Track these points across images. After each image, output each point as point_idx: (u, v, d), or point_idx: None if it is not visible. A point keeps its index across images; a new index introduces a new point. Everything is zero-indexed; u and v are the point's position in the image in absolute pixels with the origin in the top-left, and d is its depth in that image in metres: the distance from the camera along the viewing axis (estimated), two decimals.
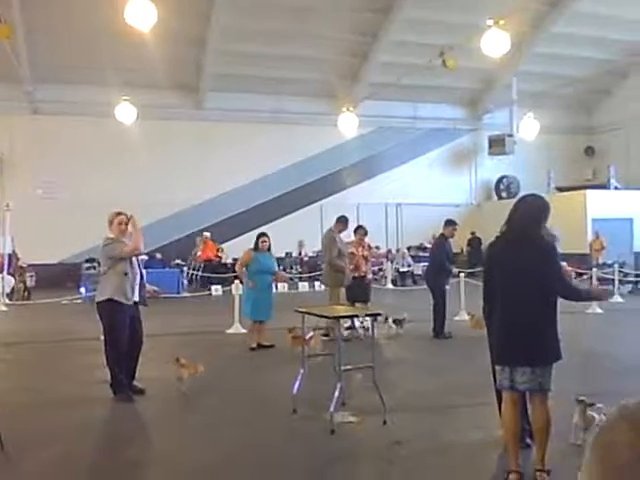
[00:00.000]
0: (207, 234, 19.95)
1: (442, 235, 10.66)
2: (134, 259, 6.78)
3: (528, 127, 21.75)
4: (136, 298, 6.69)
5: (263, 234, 9.68)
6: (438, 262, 10.39)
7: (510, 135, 22.67)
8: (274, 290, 10.56)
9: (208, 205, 21.03)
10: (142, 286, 6.81)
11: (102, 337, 6.67)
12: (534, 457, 4.31)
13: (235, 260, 20.33)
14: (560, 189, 22.46)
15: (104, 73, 17.58)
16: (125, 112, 18.44)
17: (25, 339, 10.25)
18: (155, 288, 7.33)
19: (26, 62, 18.10)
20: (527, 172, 23.29)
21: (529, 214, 4.35)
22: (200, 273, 19.12)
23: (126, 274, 6.57)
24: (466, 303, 11.86)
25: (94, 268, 17.03)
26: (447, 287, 10.53)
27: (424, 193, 22.76)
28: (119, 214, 6.83)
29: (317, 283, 17.08)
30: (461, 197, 24.05)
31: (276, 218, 21.52)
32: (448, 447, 5.10)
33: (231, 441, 5.32)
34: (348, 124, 20.54)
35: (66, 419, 5.91)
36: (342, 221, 10.45)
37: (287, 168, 21.88)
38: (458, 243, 19.41)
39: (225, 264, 19.71)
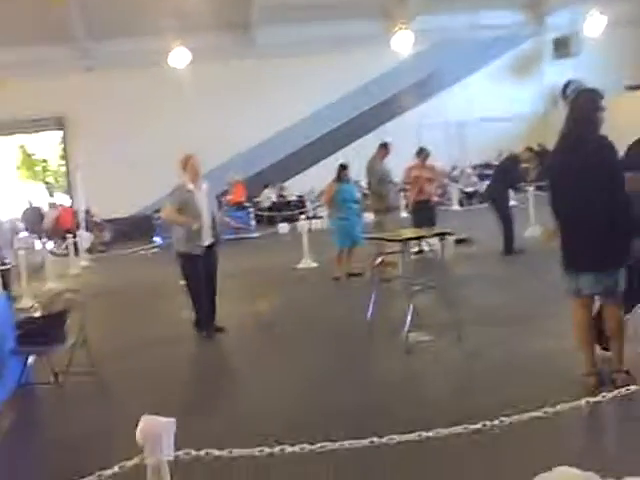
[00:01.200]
0: (237, 177, 19.50)
1: (516, 156, 10.42)
2: (204, 200, 6.73)
3: (594, 23, 20.50)
4: (209, 241, 6.72)
5: (343, 165, 9.83)
6: (506, 180, 10.20)
7: (576, 35, 21.47)
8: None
9: (270, 143, 21.10)
10: (213, 228, 6.79)
11: (182, 282, 6.94)
12: (611, 359, 4.33)
13: (300, 197, 20.62)
14: (631, 87, 21.26)
15: (155, 21, 17.60)
16: (178, 57, 18.54)
17: (110, 289, 10.83)
18: (239, 225, 7.60)
19: (79, 20, 18.33)
20: (596, 73, 22.04)
21: (582, 113, 4.21)
22: (266, 213, 19.45)
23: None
24: (536, 217, 11.65)
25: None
26: (512, 202, 10.36)
27: (487, 108, 22.00)
28: (191, 156, 6.81)
29: None
30: (526, 107, 23.12)
31: (339, 149, 21.37)
32: (523, 356, 5.17)
33: (311, 366, 5.54)
34: (403, 43, 19.92)
35: (156, 357, 6.31)
36: (384, 147, 10.36)
37: (344, 97, 21.58)
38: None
39: (290, 202, 19.94)
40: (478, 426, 2.54)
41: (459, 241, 10.27)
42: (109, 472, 2.23)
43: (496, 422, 2.53)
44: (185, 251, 6.65)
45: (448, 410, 4.18)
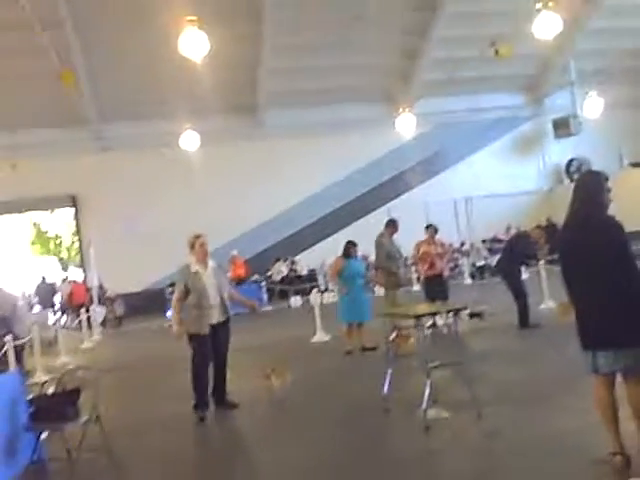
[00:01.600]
0: (234, 252, 19.51)
1: (526, 233, 10.54)
2: (211, 279, 6.76)
3: (592, 105, 21.13)
4: (218, 320, 6.72)
5: (352, 242, 9.95)
6: (515, 255, 10.25)
7: (575, 116, 22.06)
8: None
9: (279, 219, 21.40)
10: (225, 306, 6.78)
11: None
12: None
13: (311, 271, 20.69)
14: (633, 164, 21.64)
15: (165, 105, 18.29)
16: (189, 140, 19.11)
17: (123, 364, 10.75)
18: (255, 303, 7.55)
19: (91, 103, 19.00)
20: (597, 151, 22.56)
21: (588, 194, 4.28)
22: (278, 287, 19.47)
23: (195, 307, 6.64)
24: (549, 291, 11.62)
25: None
26: (524, 276, 10.38)
27: (492, 184, 22.44)
28: (199, 236, 6.89)
29: None
30: (531, 184, 23.55)
31: (345, 226, 21.70)
32: (546, 436, 5.04)
33: (326, 444, 5.43)
34: (406, 125, 20.53)
35: (168, 438, 6.19)
36: (391, 224, 10.57)
37: (351, 175, 22.08)
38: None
39: (301, 275, 20.00)
40: None
41: (472, 315, 10.22)
42: None
43: None
44: (194, 332, 6.65)
45: None
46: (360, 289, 9.70)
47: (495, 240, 21.67)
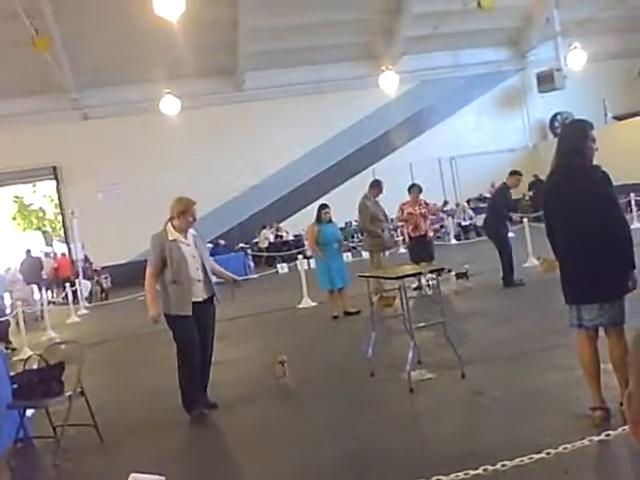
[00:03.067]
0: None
1: (504, 184, 10.45)
2: (193, 253, 5.70)
3: (576, 58, 20.93)
4: (201, 297, 5.69)
5: (324, 205, 9.82)
6: (498, 211, 10.22)
7: (558, 69, 21.86)
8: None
9: (263, 185, 21.25)
10: (209, 281, 5.74)
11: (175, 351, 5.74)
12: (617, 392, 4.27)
13: (297, 237, 20.67)
14: (618, 118, 21.58)
15: (143, 69, 17.92)
16: (169, 105, 18.79)
17: (108, 338, 10.72)
18: (235, 277, 6.24)
19: (68, 70, 18.58)
20: (581, 105, 22.38)
21: (571, 143, 4.23)
22: (265, 254, 19.45)
23: (175, 282, 5.57)
24: (534, 248, 11.66)
25: None
26: (510, 234, 10.36)
27: (477, 142, 22.33)
28: (194, 203, 5.80)
29: None
30: (515, 141, 23.44)
31: (331, 189, 21.58)
32: (528, 392, 5.10)
33: (312, 408, 5.47)
34: (389, 83, 20.24)
35: (153, 411, 6.18)
36: (375, 185, 10.46)
37: (335, 137, 21.85)
38: (520, 188, 19.02)
39: (287, 242, 19.96)
40: (479, 471, 2.47)
41: (458, 276, 10.24)
42: None
43: (498, 466, 2.47)
44: (174, 313, 5.55)
45: (451, 452, 4.10)
46: (336, 254, 9.57)
47: (480, 199, 21.65)
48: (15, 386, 5.40)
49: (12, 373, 5.66)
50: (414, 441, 4.52)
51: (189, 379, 5.62)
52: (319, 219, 9.63)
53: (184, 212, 5.68)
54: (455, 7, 17.39)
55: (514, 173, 10.35)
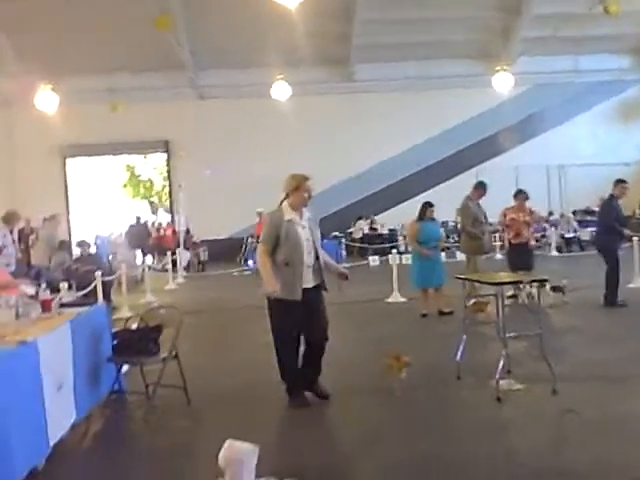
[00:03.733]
0: (260, 209, 18.06)
1: (611, 196, 9.95)
2: (307, 236, 5.41)
3: None
4: (312, 283, 5.42)
5: (429, 203, 9.69)
6: (608, 224, 9.73)
7: None
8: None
9: (363, 177, 21.27)
10: (319, 267, 5.46)
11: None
12: None
13: (391, 230, 20.56)
14: None
15: (259, 54, 18.26)
16: (280, 90, 19.10)
17: (202, 307, 11.12)
18: (345, 271, 5.83)
19: (188, 50, 19.26)
20: None
21: None
22: (358, 245, 19.49)
23: (287, 264, 5.28)
24: None
25: (257, 241, 17.99)
26: (620, 252, 9.84)
27: (589, 152, 21.33)
28: (308, 178, 5.50)
29: None
30: (631, 155, 22.20)
31: (431, 187, 21.33)
32: (624, 417, 4.86)
33: (396, 406, 5.43)
34: (503, 84, 19.65)
35: (242, 382, 6.37)
36: (479, 187, 10.21)
37: (441, 134, 21.54)
38: (631, 205, 18.05)
39: (381, 234, 19.91)
40: None
41: (554, 289, 9.86)
42: None
43: None
44: (282, 296, 5.23)
45: (536, 466, 3.98)
46: (436, 253, 9.44)
47: (587, 212, 20.72)
48: (115, 342, 5.70)
49: (113, 330, 5.96)
50: (498, 450, 4.40)
51: (290, 364, 5.41)
52: (422, 216, 9.54)
53: (298, 188, 5.41)
54: (579, 10, 16.63)
55: (619, 182, 9.81)
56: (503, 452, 4.38)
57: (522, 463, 4.08)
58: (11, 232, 10.36)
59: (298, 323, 5.34)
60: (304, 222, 5.47)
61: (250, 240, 18.36)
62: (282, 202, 5.50)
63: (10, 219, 10.36)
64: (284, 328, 5.36)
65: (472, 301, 6.99)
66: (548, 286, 9.83)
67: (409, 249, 18.83)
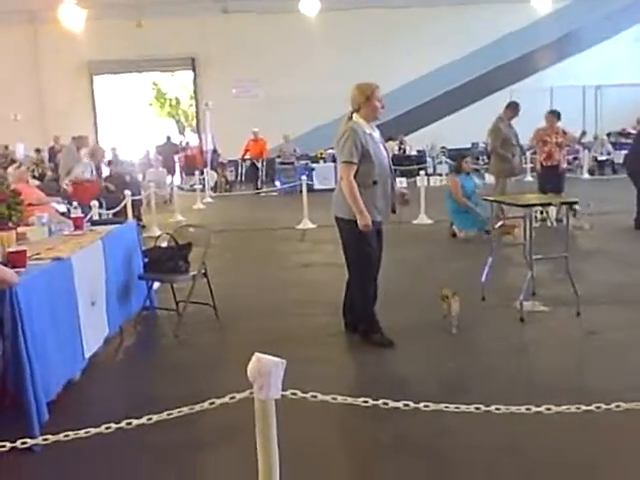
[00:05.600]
0: (256, 129, 18.18)
1: None
2: (383, 151, 4.90)
3: None
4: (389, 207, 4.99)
5: (463, 155, 9.59)
6: None
7: None
8: None
9: (393, 95, 20.72)
10: (392, 189, 4.97)
11: (346, 265, 5.04)
12: None
13: (419, 152, 20.26)
14: None
15: None
16: (309, 5, 18.51)
17: (230, 227, 11.25)
18: (405, 190, 5.31)
19: None
20: None
21: None
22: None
23: (375, 182, 4.74)
24: None
25: (285, 163, 17.96)
26: None
27: (628, 72, 20.47)
28: (377, 87, 4.87)
29: None
30: None
31: (463, 106, 20.87)
32: None
33: (421, 322, 5.52)
34: None
35: (268, 298, 6.54)
36: (512, 107, 9.94)
37: (475, 52, 20.82)
38: None
39: (409, 156, 19.65)
40: (592, 407, 2.42)
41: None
42: (220, 401, 2.35)
43: (612, 406, 2.41)
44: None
45: (558, 385, 4.06)
46: (475, 204, 9.18)
47: (622, 134, 20.14)
48: (146, 260, 5.83)
49: (144, 248, 6.08)
50: (519, 369, 4.49)
51: (369, 298, 4.94)
52: (458, 170, 9.39)
53: (369, 97, 4.77)
54: None
55: None
56: (523, 371, 4.47)
57: (540, 382, 4.17)
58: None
59: (377, 248, 4.92)
60: (379, 136, 4.96)
61: (278, 160, 18.28)
62: (350, 117, 4.84)
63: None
64: (370, 253, 4.83)
65: (500, 223, 6.97)
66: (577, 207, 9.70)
67: (438, 170, 18.83)
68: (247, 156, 18.53)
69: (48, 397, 3.66)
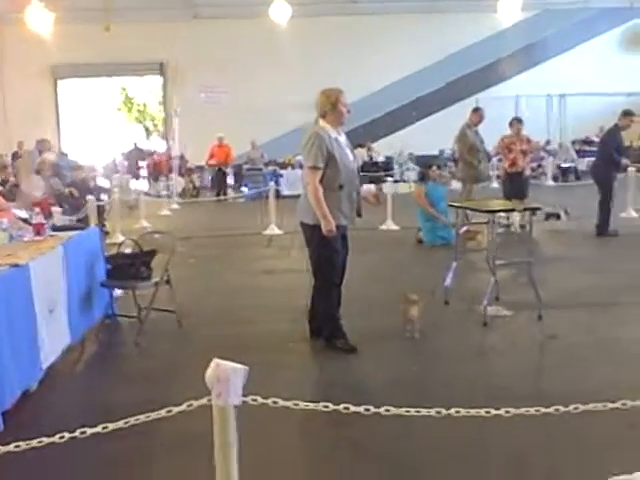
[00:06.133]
0: (221, 134, 17.90)
1: (615, 126, 9.84)
2: (349, 155, 4.90)
3: None
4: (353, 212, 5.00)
5: (429, 165, 9.69)
6: (607, 153, 9.67)
7: None
8: None
9: (361, 103, 20.86)
10: (358, 193, 5.02)
11: (310, 268, 5.01)
12: None
13: (387, 158, 20.37)
14: None
15: None
16: (279, 11, 18.51)
17: (196, 233, 11.15)
18: (375, 191, 5.12)
19: None
20: None
21: None
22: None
23: (341, 187, 4.76)
24: (635, 199, 11.06)
25: (253, 169, 17.94)
26: (615, 182, 9.83)
27: (592, 82, 20.89)
28: (342, 91, 4.86)
29: None
30: (635, 86, 21.81)
31: (430, 114, 21.08)
32: (606, 342, 4.98)
33: (381, 327, 5.53)
34: (509, 8, 19.07)
35: (232, 304, 6.50)
36: (477, 112, 10.09)
37: (443, 60, 21.06)
38: (629, 136, 17.87)
39: (377, 163, 19.74)
40: (550, 410, 2.45)
41: (549, 216, 9.89)
42: (177, 409, 2.32)
43: (571, 408, 2.44)
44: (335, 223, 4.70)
45: (518, 389, 4.10)
46: (443, 212, 9.20)
47: (586, 142, 20.55)
48: (109, 266, 5.74)
49: (107, 254, 5.99)
50: (481, 373, 4.53)
51: (333, 302, 4.94)
52: (425, 178, 9.45)
53: (335, 103, 4.77)
54: None
55: (628, 114, 9.70)
56: (485, 375, 4.50)
57: (501, 386, 4.20)
58: None
59: (340, 250, 4.89)
60: (345, 141, 4.93)
61: (246, 167, 18.23)
62: (316, 123, 4.84)
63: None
64: (334, 258, 4.82)
65: (464, 229, 7.03)
66: (541, 212, 9.88)
67: (404, 179, 18.94)
68: (212, 161, 18.36)
69: (2, 407, 3.57)
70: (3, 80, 20.31)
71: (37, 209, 6.34)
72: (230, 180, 18.58)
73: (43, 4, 16.81)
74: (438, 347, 5.09)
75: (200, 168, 19.32)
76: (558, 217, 9.92)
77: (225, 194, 17.38)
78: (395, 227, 11.01)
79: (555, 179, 18.45)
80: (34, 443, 2.30)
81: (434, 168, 9.64)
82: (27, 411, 3.93)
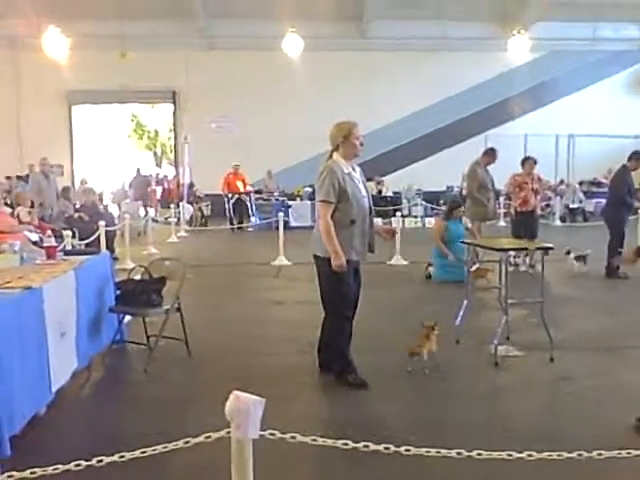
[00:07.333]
0: (237, 163, 17.77)
1: (624, 167, 9.86)
2: (364, 191, 4.89)
3: None
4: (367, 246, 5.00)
5: (457, 203, 9.68)
6: (618, 195, 9.67)
7: None
8: None
9: (371, 137, 21.01)
10: (371, 228, 5.00)
11: (321, 302, 4.97)
12: None
13: (395, 193, 20.45)
14: None
15: (271, 5, 17.91)
16: (292, 44, 18.80)
17: (204, 261, 11.15)
18: (392, 227, 5.06)
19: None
20: None
21: None
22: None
23: (353, 222, 4.74)
24: None
25: (263, 199, 18.03)
26: (626, 224, 9.82)
27: (601, 123, 21.06)
28: (356, 125, 4.84)
29: None
30: None
31: (438, 150, 21.22)
32: (620, 386, 4.92)
33: (392, 367, 5.48)
34: (518, 48, 19.34)
35: (241, 334, 6.46)
36: (490, 153, 10.15)
37: (452, 97, 21.28)
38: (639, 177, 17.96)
39: (385, 197, 19.81)
40: (573, 455, 2.40)
41: (578, 258, 9.91)
42: (195, 440, 2.28)
43: (594, 454, 2.39)
44: (346, 258, 4.68)
45: (535, 432, 4.03)
46: (460, 252, 8.98)
47: (593, 183, 20.62)
48: (118, 292, 5.72)
49: (116, 280, 5.98)
50: (495, 414, 4.47)
51: (345, 337, 4.89)
52: (449, 216, 9.46)
53: (347, 136, 4.75)
54: None
55: (636, 154, 9.71)
56: (498, 416, 4.44)
57: (512, 428, 4.13)
58: None
59: (352, 286, 4.87)
60: (359, 175, 4.92)
61: (255, 196, 18.31)
62: (330, 156, 4.82)
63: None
64: (346, 292, 4.79)
65: (474, 267, 7.02)
66: (572, 255, 9.90)
67: (414, 212, 18.96)
68: (227, 189, 18.33)
69: (11, 431, 3.53)
70: (19, 104, 20.55)
71: (49, 232, 6.36)
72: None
73: (60, 29, 17.12)
74: (450, 386, 5.03)
75: (209, 196, 19.40)
76: (585, 260, 9.92)
77: (248, 222, 17.27)
78: (404, 262, 10.99)
79: (563, 219, 18.46)
80: (49, 470, 2.26)
81: (461, 208, 9.58)
82: (37, 436, 3.88)
